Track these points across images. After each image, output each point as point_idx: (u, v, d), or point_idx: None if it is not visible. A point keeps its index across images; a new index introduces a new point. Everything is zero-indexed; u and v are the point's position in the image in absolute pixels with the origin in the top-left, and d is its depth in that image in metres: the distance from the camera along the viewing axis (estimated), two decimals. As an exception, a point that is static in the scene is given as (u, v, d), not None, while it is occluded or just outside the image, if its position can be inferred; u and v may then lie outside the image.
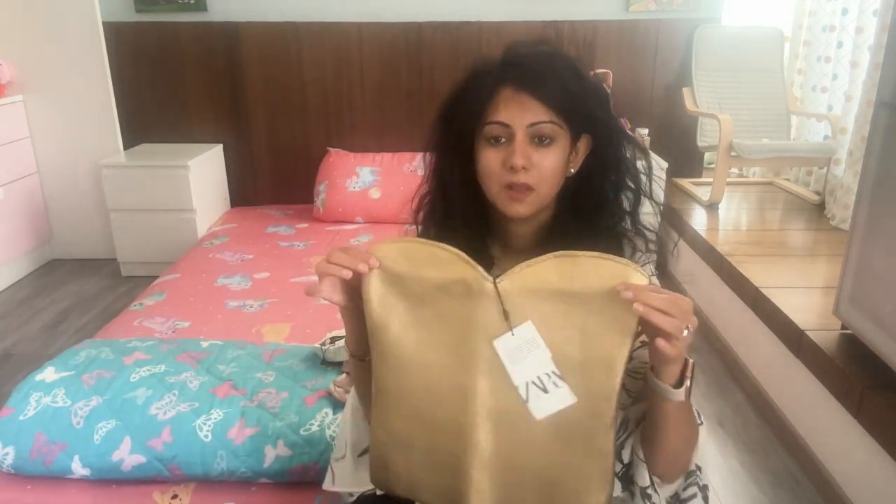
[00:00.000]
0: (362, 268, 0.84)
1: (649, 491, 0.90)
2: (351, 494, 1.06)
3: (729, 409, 2.23)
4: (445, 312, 0.83)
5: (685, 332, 0.75)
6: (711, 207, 3.14)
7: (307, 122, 3.50)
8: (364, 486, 1.03)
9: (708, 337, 2.70)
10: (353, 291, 0.88)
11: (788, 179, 3.55)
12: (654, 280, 0.97)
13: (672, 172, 3.34)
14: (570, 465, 0.82)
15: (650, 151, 0.99)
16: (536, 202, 0.92)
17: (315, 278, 0.87)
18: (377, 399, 0.90)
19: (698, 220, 3.02)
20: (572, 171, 0.95)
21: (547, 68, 0.90)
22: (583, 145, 0.95)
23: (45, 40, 3.21)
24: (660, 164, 3.13)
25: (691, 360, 0.84)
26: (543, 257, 0.79)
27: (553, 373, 0.80)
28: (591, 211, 0.95)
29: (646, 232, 0.97)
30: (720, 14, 3.36)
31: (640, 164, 0.99)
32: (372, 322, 0.87)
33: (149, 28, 3.36)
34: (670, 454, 0.88)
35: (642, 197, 0.97)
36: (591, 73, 0.96)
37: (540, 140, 0.90)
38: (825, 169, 3.10)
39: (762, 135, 3.23)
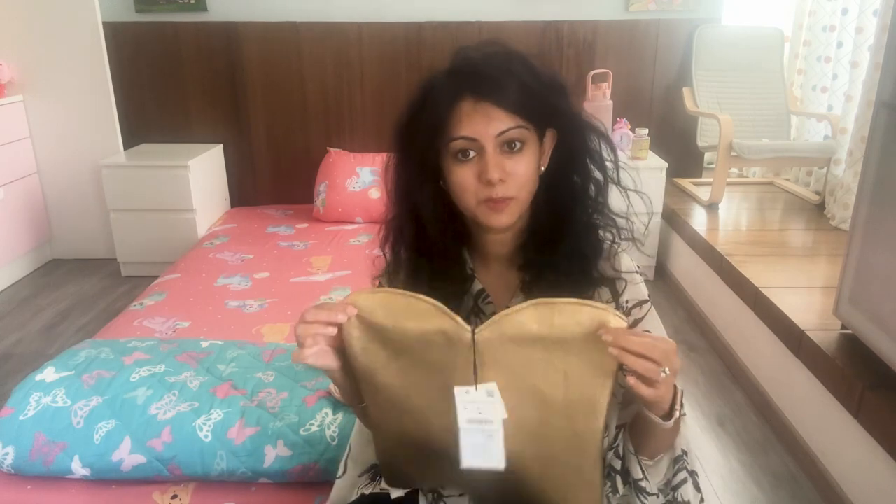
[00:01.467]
0: (341, 318, 0.81)
1: (642, 483, 0.90)
2: None
3: (729, 409, 2.23)
4: (427, 360, 0.82)
5: (662, 375, 0.74)
6: (711, 207, 3.14)
7: (307, 122, 3.50)
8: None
9: (708, 337, 2.70)
10: (339, 352, 0.87)
11: (788, 179, 3.55)
12: (638, 280, 0.97)
13: (672, 172, 3.33)
14: (561, 496, 0.86)
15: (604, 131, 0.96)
16: (517, 209, 0.90)
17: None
18: (377, 434, 0.95)
19: (698, 220, 3.02)
20: (543, 168, 0.93)
21: (502, 71, 0.87)
22: (548, 140, 0.94)
23: (45, 40, 3.21)
24: (660, 164, 3.13)
25: (680, 389, 0.84)
26: (522, 305, 0.78)
27: (497, 434, 0.80)
28: (565, 205, 0.94)
29: (617, 219, 0.96)
30: (720, 14, 3.36)
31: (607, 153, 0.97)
32: (359, 370, 0.87)
33: (149, 28, 3.36)
34: (659, 451, 0.90)
35: (610, 183, 0.95)
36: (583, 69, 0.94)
37: (510, 146, 0.87)
38: (825, 169, 3.10)
39: (762, 135, 3.23)
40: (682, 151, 3.50)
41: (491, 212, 0.89)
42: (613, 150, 0.96)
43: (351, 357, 0.86)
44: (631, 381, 0.75)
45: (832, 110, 3.14)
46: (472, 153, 0.87)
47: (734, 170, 3.52)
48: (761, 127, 3.28)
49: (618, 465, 0.93)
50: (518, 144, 0.87)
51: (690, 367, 2.50)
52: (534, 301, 0.78)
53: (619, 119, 3.29)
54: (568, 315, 0.77)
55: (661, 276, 3.27)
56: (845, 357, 1.77)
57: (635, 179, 0.98)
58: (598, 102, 3.15)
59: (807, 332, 1.91)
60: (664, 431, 0.84)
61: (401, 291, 0.83)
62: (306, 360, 0.83)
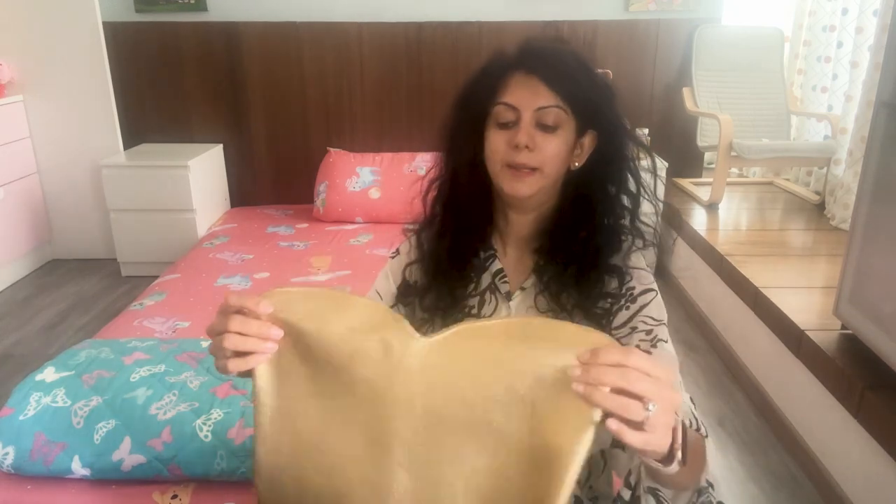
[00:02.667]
0: (270, 346, 0.69)
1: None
2: None
3: (729, 409, 2.23)
4: (356, 382, 0.65)
5: (647, 413, 0.59)
6: (711, 207, 3.14)
7: (307, 122, 3.50)
8: None
9: (708, 337, 2.70)
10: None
11: (788, 179, 3.55)
12: (646, 276, 0.96)
13: (672, 172, 3.34)
14: None
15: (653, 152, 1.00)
16: (537, 184, 0.93)
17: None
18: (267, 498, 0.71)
19: (698, 220, 3.02)
20: (577, 164, 0.96)
21: (559, 58, 0.93)
22: (587, 141, 0.96)
23: (45, 40, 3.21)
24: (660, 165, 3.13)
25: (681, 421, 0.68)
26: (491, 320, 0.72)
27: None
28: (594, 206, 0.96)
29: (644, 229, 0.98)
30: (720, 14, 3.36)
31: (643, 162, 0.99)
32: (260, 402, 0.68)
33: (149, 28, 3.36)
34: (679, 487, 0.78)
35: (642, 197, 0.97)
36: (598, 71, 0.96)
37: (545, 126, 0.91)
38: (825, 169, 3.10)
39: (762, 135, 3.23)
40: (682, 151, 3.50)
41: (512, 178, 0.92)
42: (653, 161, 0.99)
43: (255, 385, 0.69)
44: (612, 425, 0.59)
45: (832, 110, 3.14)
46: (511, 123, 0.92)
47: (734, 170, 3.52)
48: (761, 127, 3.28)
49: (627, 495, 0.82)
50: (554, 127, 0.91)
51: (691, 367, 2.50)
52: (501, 319, 0.71)
53: (624, 119, 3.29)
54: (544, 331, 0.64)
55: (662, 276, 3.27)
56: (845, 357, 1.77)
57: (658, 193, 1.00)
58: (598, 102, 3.14)
59: (807, 332, 1.91)
60: (673, 476, 0.70)
61: (336, 291, 0.68)
62: (232, 371, 0.71)
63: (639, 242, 0.97)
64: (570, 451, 0.59)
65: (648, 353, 0.89)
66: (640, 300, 0.94)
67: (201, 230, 3.24)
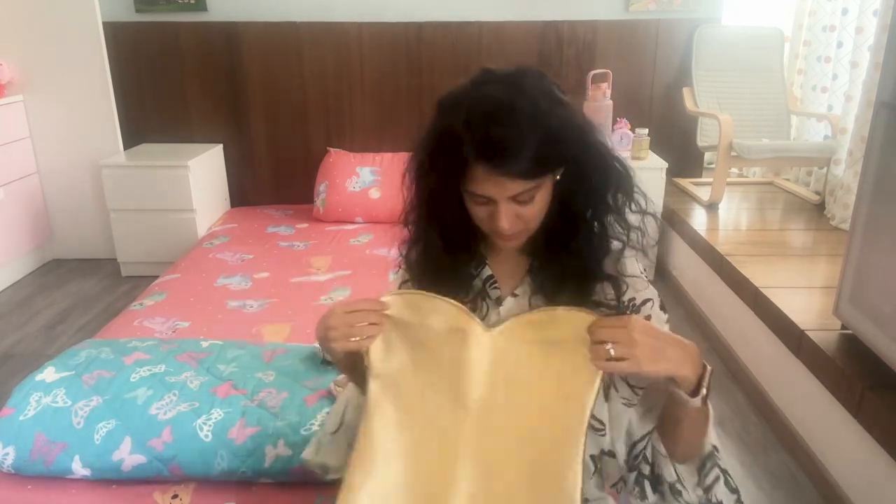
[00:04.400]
0: (378, 329, 0.93)
1: (678, 486, 0.93)
2: (325, 471, 1.09)
3: (729, 409, 2.23)
4: (445, 359, 0.92)
5: (609, 351, 0.82)
6: (711, 207, 3.14)
7: (307, 122, 3.50)
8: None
9: (708, 337, 2.70)
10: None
11: (788, 179, 3.55)
12: (640, 285, 1.00)
13: (672, 172, 3.34)
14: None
15: (626, 161, 0.99)
16: (526, 236, 0.96)
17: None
18: (361, 453, 0.92)
19: (698, 220, 3.02)
20: (557, 177, 0.94)
21: (517, 139, 0.84)
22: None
23: (45, 40, 3.21)
24: (660, 164, 3.13)
25: (709, 368, 0.87)
26: (528, 313, 0.91)
27: None
28: (578, 212, 0.96)
29: (630, 231, 0.99)
30: (720, 14, 3.36)
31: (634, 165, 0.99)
32: (373, 374, 0.93)
33: (149, 28, 3.36)
34: (688, 445, 0.94)
35: (627, 201, 0.98)
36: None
37: (522, 200, 0.89)
38: (825, 169, 3.10)
39: (762, 135, 3.23)
40: (682, 151, 3.50)
41: (502, 239, 0.95)
42: (625, 167, 0.97)
43: (371, 361, 0.94)
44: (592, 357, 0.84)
45: (832, 110, 3.14)
46: (486, 201, 0.91)
47: (734, 170, 3.52)
48: (761, 127, 3.28)
49: (646, 470, 0.96)
50: (532, 197, 0.90)
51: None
52: (537, 309, 0.91)
53: (619, 119, 3.29)
54: (563, 320, 0.89)
55: (662, 276, 3.27)
56: (845, 357, 1.77)
57: (644, 203, 1.01)
58: (598, 102, 3.15)
59: (807, 332, 1.91)
60: (692, 419, 0.88)
61: (428, 294, 0.94)
62: (354, 347, 0.92)
63: (628, 242, 0.98)
64: (588, 392, 0.87)
65: None
66: (644, 310, 0.98)
67: (201, 230, 3.24)
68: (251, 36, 3.36)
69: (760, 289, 2.22)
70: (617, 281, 0.97)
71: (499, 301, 1.01)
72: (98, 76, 3.27)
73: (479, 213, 0.93)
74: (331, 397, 1.52)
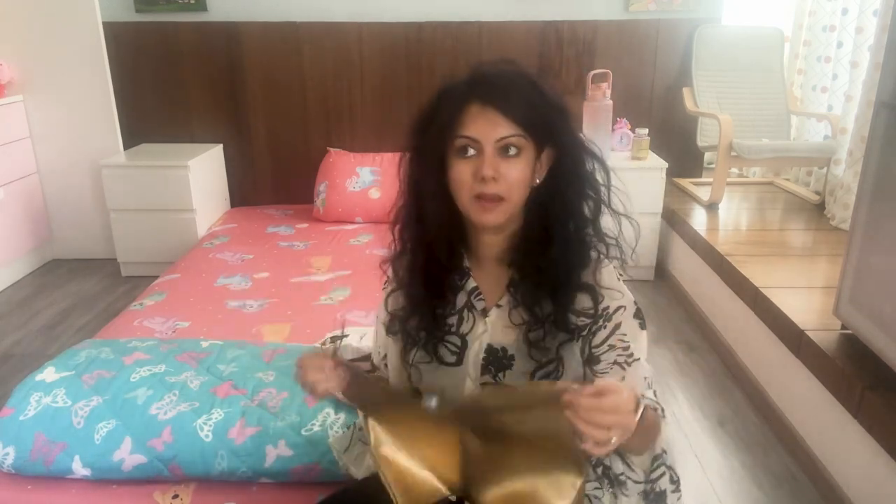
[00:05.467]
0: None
1: (622, 478, 1.01)
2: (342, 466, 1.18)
3: (729, 409, 2.23)
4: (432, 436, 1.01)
5: (612, 441, 0.77)
6: (711, 207, 3.14)
7: (307, 122, 3.50)
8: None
9: (708, 337, 2.70)
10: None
11: (788, 179, 3.55)
12: (618, 296, 1.01)
13: (672, 172, 3.33)
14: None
15: (607, 163, 1.03)
16: (506, 211, 0.96)
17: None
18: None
19: (698, 220, 3.02)
20: (538, 181, 0.99)
21: (511, 85, 0.95)
22: (546, 157, 0.99)
23: (45, 40, 3.21)
24: (659, 164, 3.13)
25: (642, 405, 0.85)
26: (488, 390, 0.97)
27: None
28: (556, 218, 0.99)
29: (606, 239, 1.02)
30: (720, 14, 3.36)
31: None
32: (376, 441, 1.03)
33: (149, 28, 3.36)
34: (638, 449, 0.98)
35: (602, 206, 1.01)
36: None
37: (507, 151, 0.94)
38: (825, 169, 3.10)
39: (762, 135, 3.23)
40: (682, 151, 3.50)
41: (482, 210, 0.96)
42: (608, 174, 1.02)
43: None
44: (585, 446, 0.77)
45: (832, 110, 3.14)
46: (472, 151, 0.95)
47: (734, 170, 3.52)
48: (761, 127, 3.28)
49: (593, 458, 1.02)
50: (515, 150, 0.94)
51: (690, 367, 2.50)
52: (496, 386, 0.97)
53: (619, 119, 3.29)
54: (528, 392, 0.92)
55: (661, 276, 3.27)
56: (845, 357, 1.77)
57: (626, 204, 1.03)
58: (598, 102, 3.15)
59: (807, 332, 1.91)
60: (634, 436, 0.87)
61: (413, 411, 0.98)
62: (324, 394, 1.03)
63: (603, 249, 1.01)
64: (566, 457, 0.88)
65: (623, 368, 0.99)
66: (615, 318, 0.99)
67: (201, 230, 3.24)
68: (251, 36, 3.36)
69: (760, 289, 2.22)
70: (594, 291, 0.99)
71: (484, 312, 1.04)
72: (98, 76, 3.27)
73: (463, 172, 0.94)
74: (331, 398, 1.51)
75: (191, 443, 1.43)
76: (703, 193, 3.23)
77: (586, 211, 1.00)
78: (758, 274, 2.34)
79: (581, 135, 1.01)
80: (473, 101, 0.94)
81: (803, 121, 3.40)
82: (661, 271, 3.29)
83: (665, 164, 3.13)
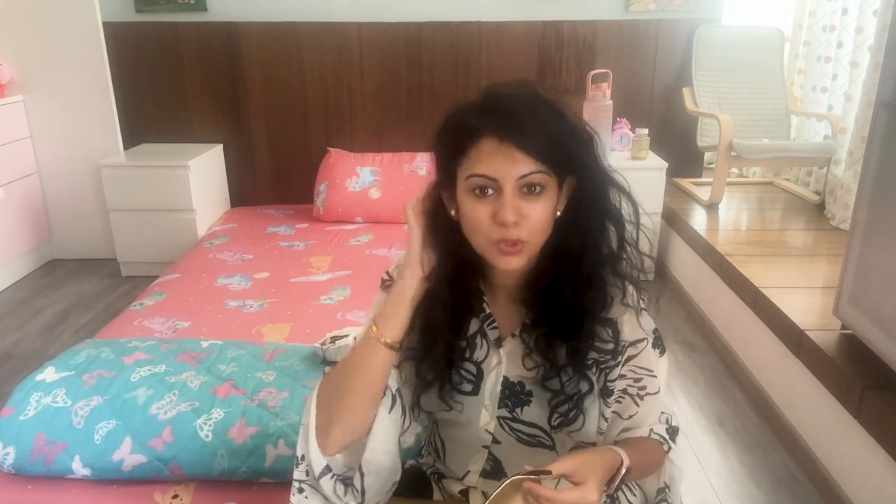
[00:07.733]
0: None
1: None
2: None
3: (729, 409, 2.23)
4: None
5: None
6: (711, 207, 3.14)
7: (307, 122, 3.50)
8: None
9: (708, 337, 2.70)
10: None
11: (788, 179, 3.55)
12: (641, 346, 0.97)
13: (672, 172, 3.34)
14: None
15: (635, 199, 0.94)
16: (528, 254, 0.88)
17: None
18: None
19: (698, 220, 3.02)
20: (558, 213, 0.90)
21: (529, 115, 0.84)
22: (567, 185, 0.91)
23: (45, 40, 3.21)
24: (660, 165, 3.13)
25: (624, 467, 0.89)
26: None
27: None
28: (573, 255, 0.91)
29: (629, 280, 0.95)
30: (720, 14, 3.36)
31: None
32: None
33: (149, 28, 3.36)
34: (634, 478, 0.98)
35: (626, 243, 0.93)
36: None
37: (530, 190, 0.85)
38: (825, 169, 3.10)
39: (762, 135, 3.23)
40: (682, 151, 3.50)
41: (501, 255, 0.86)
42: (636, 207, 0.93)
43: None
44: None
45: (832, 110, 3.14)
46: (490, 191, 0.85)
47: (734, 170, 3.52)
48: (761, 127, 3.28)
49: None
50: (538, 188, 0.85)
51: (691, 367, 2.50)
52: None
53: (619, 119, 3.29)
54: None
55: (662, 277, 3.27)
56: (845, 357, 1.77)
57: (651, 240, 0.97)
58: (598, 102, 3.15)
59: (807, 332, 1.91)
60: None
61: None
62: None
63: (622, 290, 0.95)
64: None
65: (636, 402, 0.97)
66: (630, 351, 0.95)
67: (201, 230, 3.24)
68: (251, 36, 3.36)
69: (760, 289, 2.22)
70: (614, 325, 0.94)
71: (499, 342, 0.98)
72: (98, 76, 3.27)
73: (479, 215, 0.85)
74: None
75: (191, 442, 1.43)
76: (703, 193, 3.23)
77: (606, 249, 0.92)
78: (758, 274, 2.34)
79: (607, 164, 0.91)
80: (489, 134, 0.83)
81: (803, 121, 3.41)
82: (661, 271, 3.29)
83: (665, 164, 3.13)
